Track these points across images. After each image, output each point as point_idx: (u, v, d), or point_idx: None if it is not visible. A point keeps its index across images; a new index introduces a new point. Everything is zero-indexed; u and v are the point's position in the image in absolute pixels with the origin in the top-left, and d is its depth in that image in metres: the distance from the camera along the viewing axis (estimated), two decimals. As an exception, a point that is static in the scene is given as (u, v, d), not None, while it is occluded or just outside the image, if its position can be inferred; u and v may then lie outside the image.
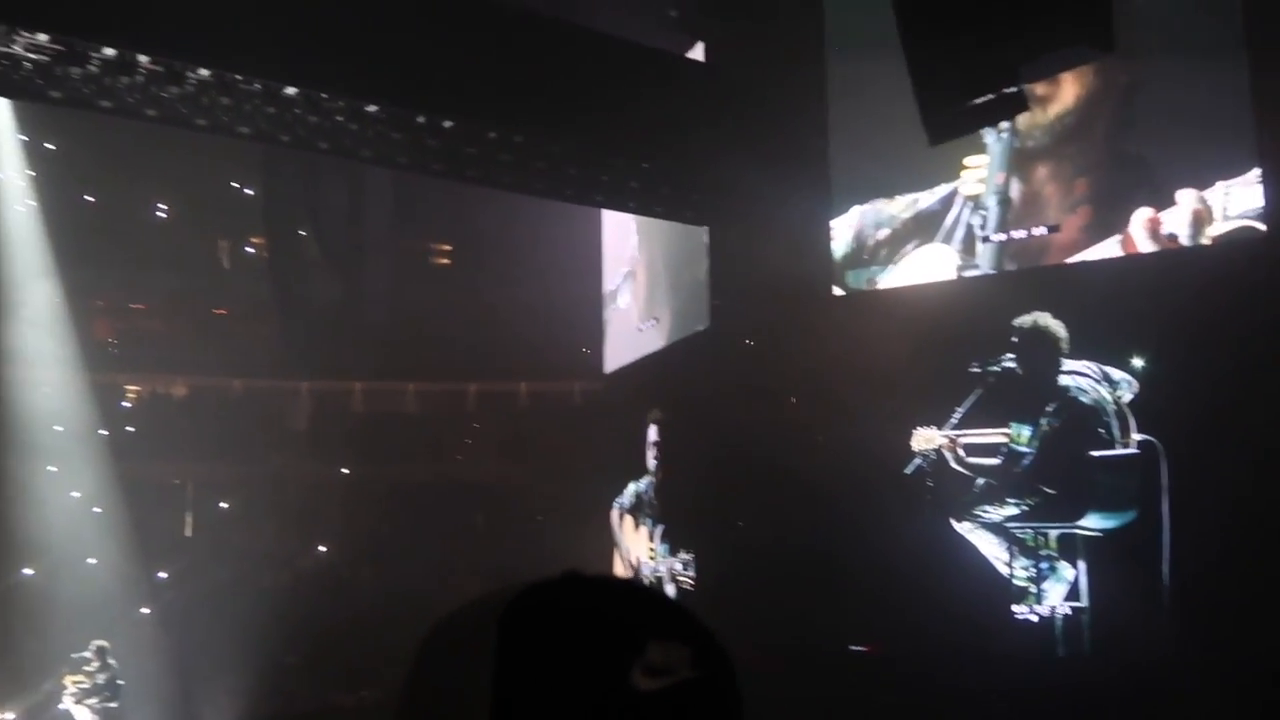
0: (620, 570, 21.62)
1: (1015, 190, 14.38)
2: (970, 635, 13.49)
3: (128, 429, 21.60)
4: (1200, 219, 12.64)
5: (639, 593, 0.80)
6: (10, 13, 10.46)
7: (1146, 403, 13.01)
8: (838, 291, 16.33)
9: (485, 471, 23.72)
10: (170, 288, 24.27)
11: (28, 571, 18.04)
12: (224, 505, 22.35)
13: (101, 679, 14.23)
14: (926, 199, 15.27)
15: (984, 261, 14.71)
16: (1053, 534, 13.69)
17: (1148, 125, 13.36)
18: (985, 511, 14.32)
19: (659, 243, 20.29)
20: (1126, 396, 13.20)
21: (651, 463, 20.67)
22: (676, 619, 0.79)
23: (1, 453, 18.74)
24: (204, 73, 11.60)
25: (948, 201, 15.03)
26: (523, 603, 0.80)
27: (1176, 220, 12.78)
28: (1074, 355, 13.72)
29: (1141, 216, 12.99)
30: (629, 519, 21.56)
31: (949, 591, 14.23)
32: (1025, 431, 14.03)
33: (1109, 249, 13.53)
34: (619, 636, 0.75)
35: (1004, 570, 14.13)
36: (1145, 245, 13.06)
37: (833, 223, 16.15)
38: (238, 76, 11.80)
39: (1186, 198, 12.71)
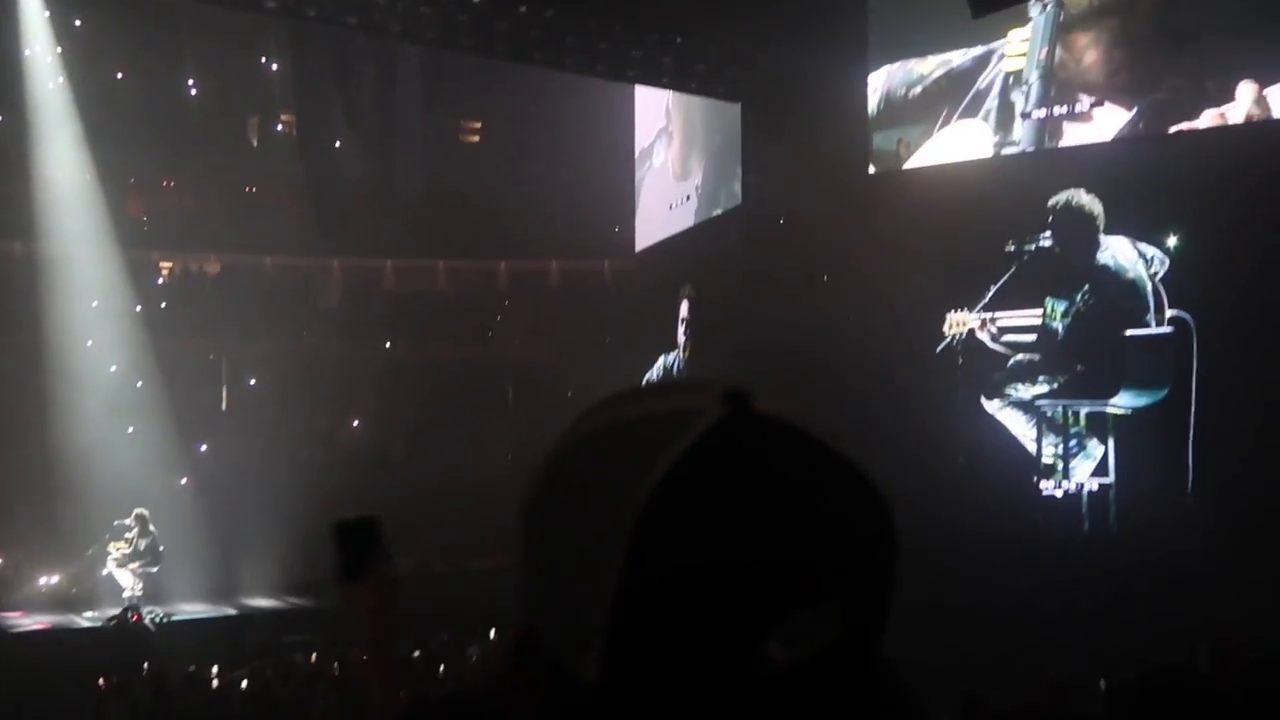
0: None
1: (1058, 64, 14.07)
2: (997, 512, 13.63)
3: (162, 305, 21.80)
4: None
5: (796, 543, 0.69)
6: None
7: (1180, 279, 12.90)
8: (872, 170, 16.16)
9: (516, 349, 23.85)
10: (202, 165, 24.21)
11: (68, 442, 18.43)
12: (255, 381, 22.62)
13: (142, 545, 14.60)
14: (959, 59, 14.99)
15: (1024, 138, 14.47)
16: (1083, 411, 13.73)
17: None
18: (1015, 389, 14.35)
19: (693, 108, 20.01)
20: (1161, 273, 13.10)
21: (681, 338, 20.74)
22: (835, 568, 0.69)
23: (40, 329, 19.01)
24: (231, -61, 11.42)
25: (981, 61, 14.75)
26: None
27: (1236, 111, 12.52)
28: (1111, 232, 13.58)
29: (1210, 114, 12.68)
30: (658, 396, 21.70)
31: (976, 468, 14.35)
32: (1060, 307, 13.97)
33: (1152, 125, 13.28)
34: (754, 607, 0.67)
35: (1032, 448, 14.21)
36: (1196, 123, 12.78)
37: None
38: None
39: (1246, 90, 12.41)
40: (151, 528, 14.77)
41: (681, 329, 20.71)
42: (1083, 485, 13.64)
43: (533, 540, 0.75)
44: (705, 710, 0.68)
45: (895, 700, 0.73)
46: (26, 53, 19.84)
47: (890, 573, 0.72)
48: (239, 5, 12.87)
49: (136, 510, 14.83)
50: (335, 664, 11.81)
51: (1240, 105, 12.48)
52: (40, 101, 20.03)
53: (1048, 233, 14.16)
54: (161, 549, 14.71)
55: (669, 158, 21.44)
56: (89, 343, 19.23)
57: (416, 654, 12.43)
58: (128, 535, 14.66)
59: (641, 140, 22.68)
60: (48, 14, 19.75)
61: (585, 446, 0.75)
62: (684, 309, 20.63)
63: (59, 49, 20.06)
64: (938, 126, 15.32)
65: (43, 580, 15.83)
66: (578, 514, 0.71)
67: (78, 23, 20.83)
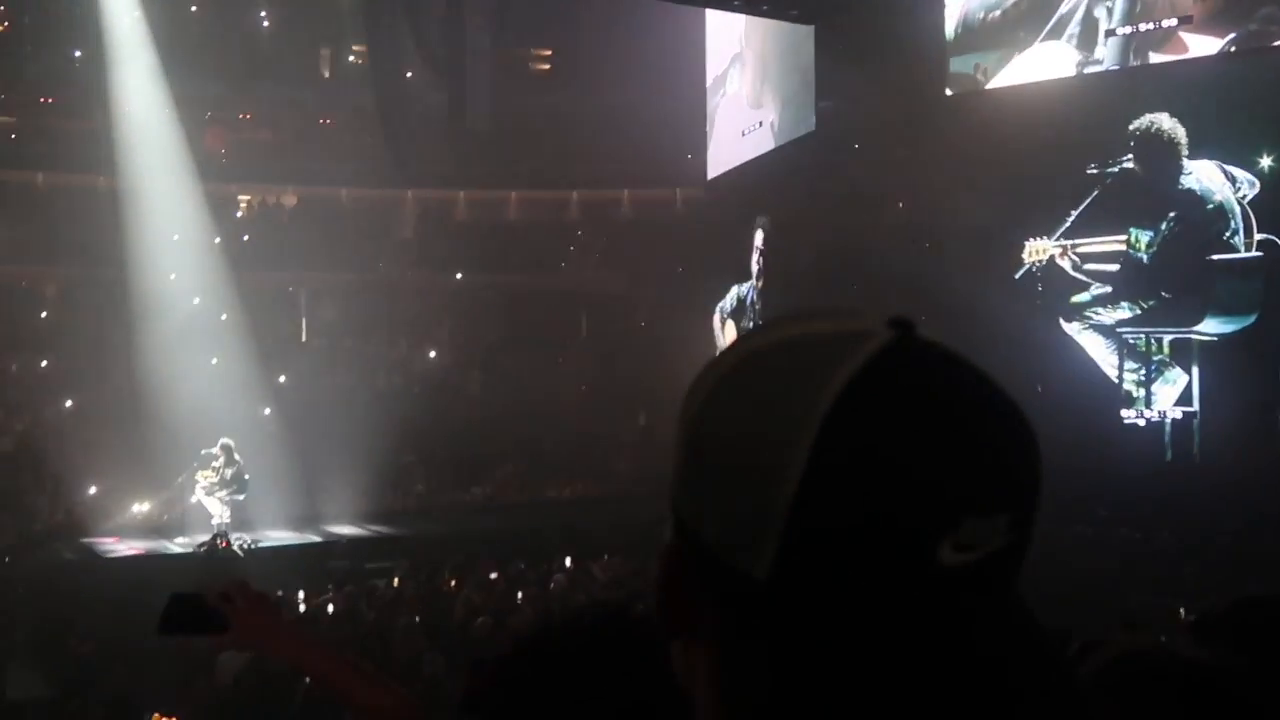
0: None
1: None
2: (1077, 441, 13.45)
3: (243, 239, 22.12)
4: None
5: (970, 448, 0.71)
6: None
7: (1271, 202, 12.50)
8: (948, 92, 15.79)
9: (589, 279, 23.89)
10: (276, 98, 24.41)
11: (154, 373, 18.88)
12: (333, 312, 22.93)
13: (229, 473, 14.97)
14: (1043, -24, 14.49)
15: (1108, 57, 14.02)
16: (1166, 339, 13.44)
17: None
18: (1097, 313, 14.07)
19: (767, 25, 19.65)
20: (1250, 196, 12.70)
21: (755, 267, 20.61)
22: (1003, 481, 0.72)
23: (124, 263, 19.38)
24: None
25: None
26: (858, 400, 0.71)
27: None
28: (1197, 155, 13.17)
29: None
30: (730, 324, 21.66)
31: (1055, 396, 14.15)
32: (1145, 237, 13.64)
33: (1241, 42, 12.79)
34: (931, 511, 0.70)
35: (1113, 374, 13.97)
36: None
37: None
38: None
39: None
40: (237, 456, 15.12)
41: (756, 258, 20.56)
42: (1165, 414, 13.40)
43: (696, 447, 0.77)
44: (878, 608, 0.71)
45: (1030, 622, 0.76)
46: (100, -13, 20.02)
47: (1036, 500, 0.75)
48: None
49: (222, 440, 15.18)
50: (415, 589, 12.09)
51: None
52: (117, 36, 20.24)
53: (1129, 156, 13.78)
54: (247, 477, 15.06)
55: (743, 85, 21.13)
56: (172, 275, 19.59)
57: (494, 575, 12.68)
58: (214, 464, 15.03)
59: (714, 68, 22.36)
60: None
61: (755, 360, 0.77)
62: (758, 239, 20.47)
63: (135, -17, 20.19)
64: (1018, 51, 14.89)
65: (135, 507, 16.31)
66: (750, 422, 0.74)
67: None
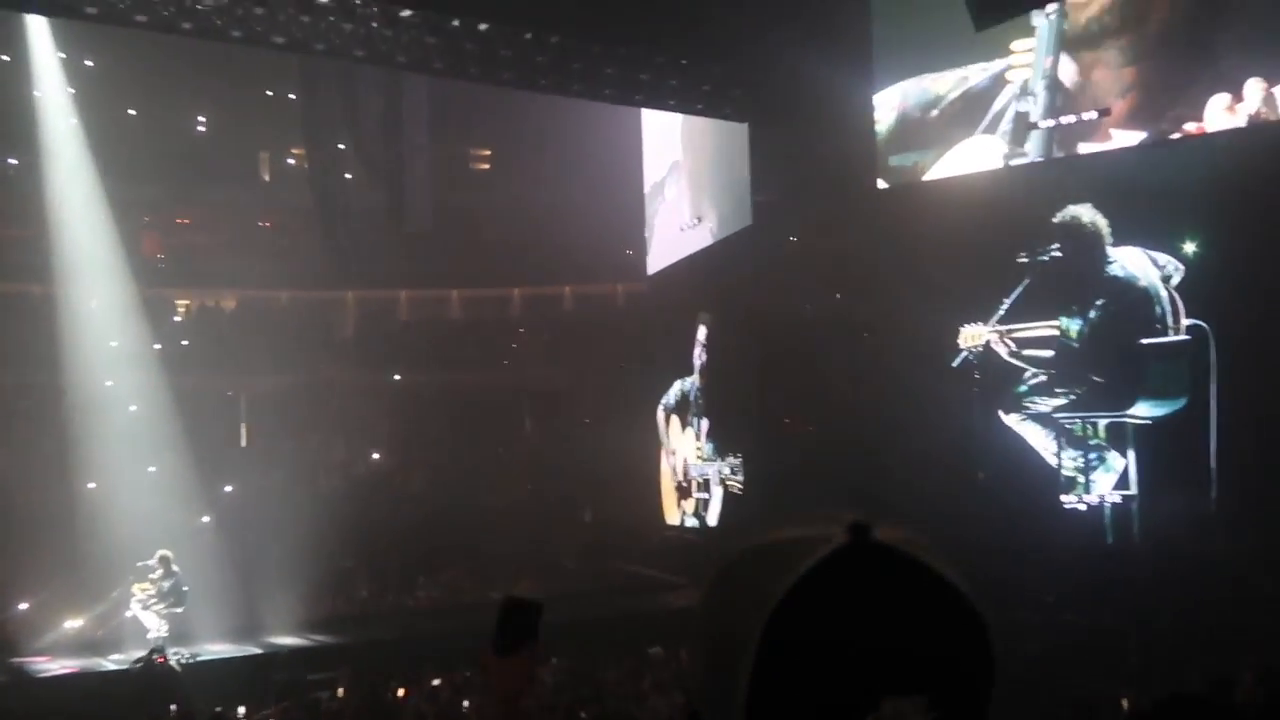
0: (666, 472, 21.86)
1: (1065, 74, 14.01)
2: (1019, 526, 13.55)
3: (182, 343, 21.91)
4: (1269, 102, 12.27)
5: (886, 639, 0.85)
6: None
7: (1197, 286, 12.82)
8: (881, 184, 16.13)
9: (532, 375, 23.89)
10: (214, 200, 24.40)
11: (90, 484, 18.52)
12: (273, 416, 22.69)
13: (166, 585, 14.60)
14: (976, 75, 14.89)
15: (1032, 149, 14.43)
16: (1102, 423, 13.65)
17: (1212, 13, 12.93)
18: (1034, 402, 14.28)
19: (703, 135, 20.05)
20: (1175, 280, 13.03)
21: (698, 362, 20.74)
22: (922, 667, 0.84)
23: (59, 370, 19.10)
24: (237, -18, 11.53)
25: (998, 80, 14.67)
26: (787, 618, 0.86)
27: (1245, 108, 12.42)
28: (1122, 241, 13.52)
29: (1219, 104, 12.57)
30: (675, 419, 21.72)
31: (997, 483, 14.28)
32: (1074, 325, 13.92)
33: (1163, 131, 13.22)
34: (852, 693, 0.82)
35: (1052, 461, 14.13)
36: (1212, 126, 12.67)
37: (875, 98, 15.84)
38: (270, -15, 11.71)
39: (1254, 88, 12.31)
40: (175, 568, 14.79)
41: (698, 353, 20.71)
42: (1104, 498, 13.55)
43: (698, 633, 0.93)
44: None
45: None
46: (37, 94, 19.98)
47: (985, 679, 0.89)
48: (248, 41, 12.95)
49: (160, 551, 14.85)
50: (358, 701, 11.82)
51: (1248, 104, 12.40)
52: (54, 142, 20.16)
53: (1057, 245, 14.12)
54: (185, 589, 14.72)
55: (681, 191, 21.49)
56: (108, 382, 19.32)
57: (437, 682, 12.45)
58: (151, 576, 14.68)
59: (653, 175, 22.72)
60: (62, 55, 19.89)
61: (740, 561, 0.92)
62: (700, 334, 20.64)
63: (71, 90, 20.18)
64: (952, 147, 15.27)
65: (68, 624, 15.88)
66: (730, 612, 0.89)
67: (89, 62, 21.01)
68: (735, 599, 0.89)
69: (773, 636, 0.85)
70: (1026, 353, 14.39)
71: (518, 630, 2.13)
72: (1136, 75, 13.54)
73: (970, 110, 14.98)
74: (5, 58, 21.21)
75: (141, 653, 14.30)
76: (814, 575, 0.86)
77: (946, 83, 15.24)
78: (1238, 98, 12.35)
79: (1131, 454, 13.35)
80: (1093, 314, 13.77)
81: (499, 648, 2.11)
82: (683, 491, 21.24)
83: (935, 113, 15.44)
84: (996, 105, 14.68)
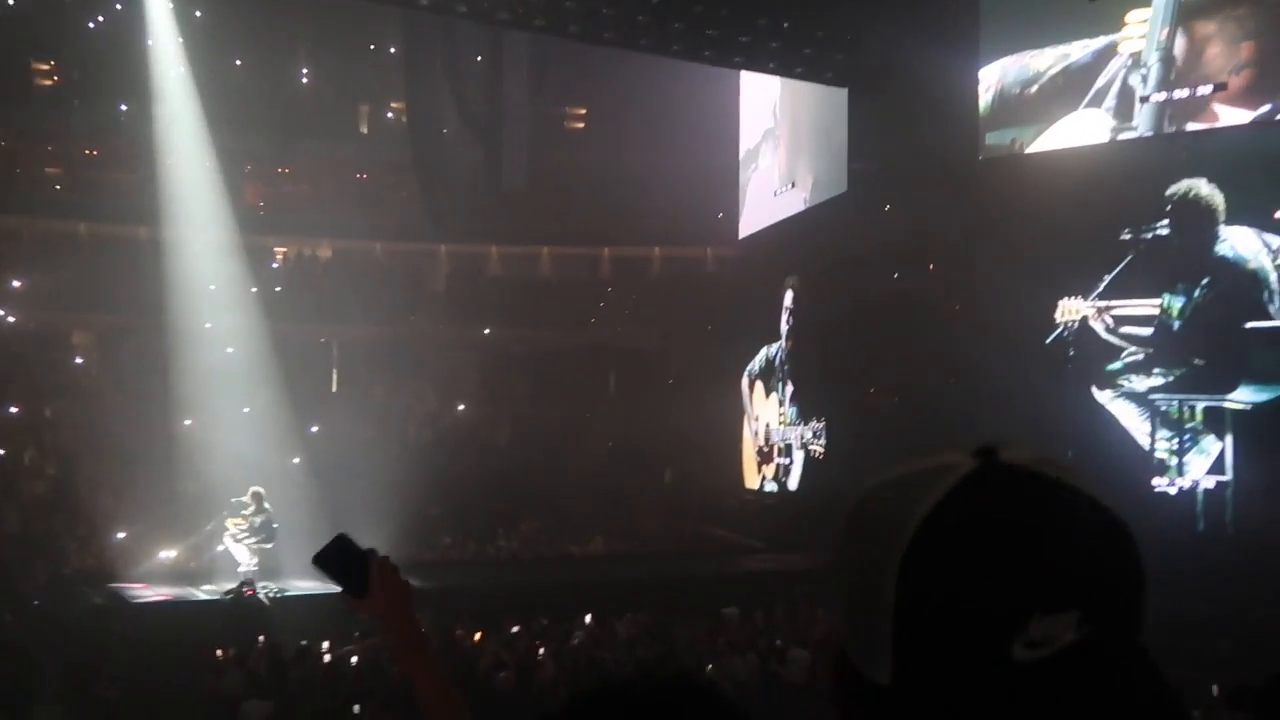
0: (748, 438, 21.84)
1: (1179, 47, 13.61)
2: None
3: (276, 289, 22.35)
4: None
5: (1031, 557, 0.83)
6: None
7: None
8: (981, 156, 15.86)
9: (618, 335, 23.97)
10: (315, 152, 24.81)
11: (187, 421, 19.04)
12: (364, 364, 23.07)
13: (258, 521, 14.99)
14: (1078, 52, 14.55)
15: (1142, 123, 14.06)
16: (1200, 406, 13.33)
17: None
18: (1129, 380, 13.99)
19: (800, 103, 19.88)
20: (1287, 264, 12.66)
21: (785, 327, 20.64)
22: (1069, 583, 0.84)
23: (162, 312, 19.64)
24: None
25: (1102, 56, 14.31)
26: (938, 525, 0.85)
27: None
28: (1232, 221, 13.15)
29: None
30: (759, 385, 21.68)
31: (1085, 461, 14.03)
32: (1177, 303, 13.59)
33: (1273, 115, 12.80)
34: (998, 616, 0.82)
35: (1144, 442, 13.86)
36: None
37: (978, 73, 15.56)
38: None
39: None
40: (267, 505, 15.17)
41: (785, 318, 20.61)
42: (1198, 483, 13.26)
43: (837, 572, 0.92)
44: (970, 703, 0.84)
45: (1149, 688, 0.87)
46: (150, 43, 20.45)
47: (1134, 589, 0.89)
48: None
49: (253, 488, 15.23)
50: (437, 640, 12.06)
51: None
52: (163, 91, 20.64)
53: (1165, 221, 13.77)
54: (275, 526, 15.08)
55: (775, 159, 21.34)
56: (207, 325, 19.81)
57: (516, 630, 12.65)
58: (244, 512, 15.06)
59: (747, 142, 22.59)
60: (171, 5, 20.32)
61: (866, 499, 0.91)
62: (788, 299, 20.53)
63: (180, 40, 20.61)
64: (1053, 123, 14.94)
65: (163, 553, 16.38)
66: (865, 549, 0.88)
67: (198, 13, 21.43)
68: (870, 533, 0.88)
69: (912, 565, 0.84)
70: (1125, 330, 14.09)
71: (345, 573, 2.10)
72: (1254, 51, 13.12)
73: (1072, 86, 14.63)
74: (119, 6, 21.75)
75: (232, 585, 14.73)
76: (948, 501, 0.85)
77: (1047, 59, 14.90)
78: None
79: (1229, 439, 13.03)
80: (1197, 293, 13.43)
81: (352, 599, 2.08)
82: (764, 457, 21.22)
83: (1035, 89, 15.11)
84: (1101, 80, 14.32)
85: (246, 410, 18.79)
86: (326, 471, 17.66)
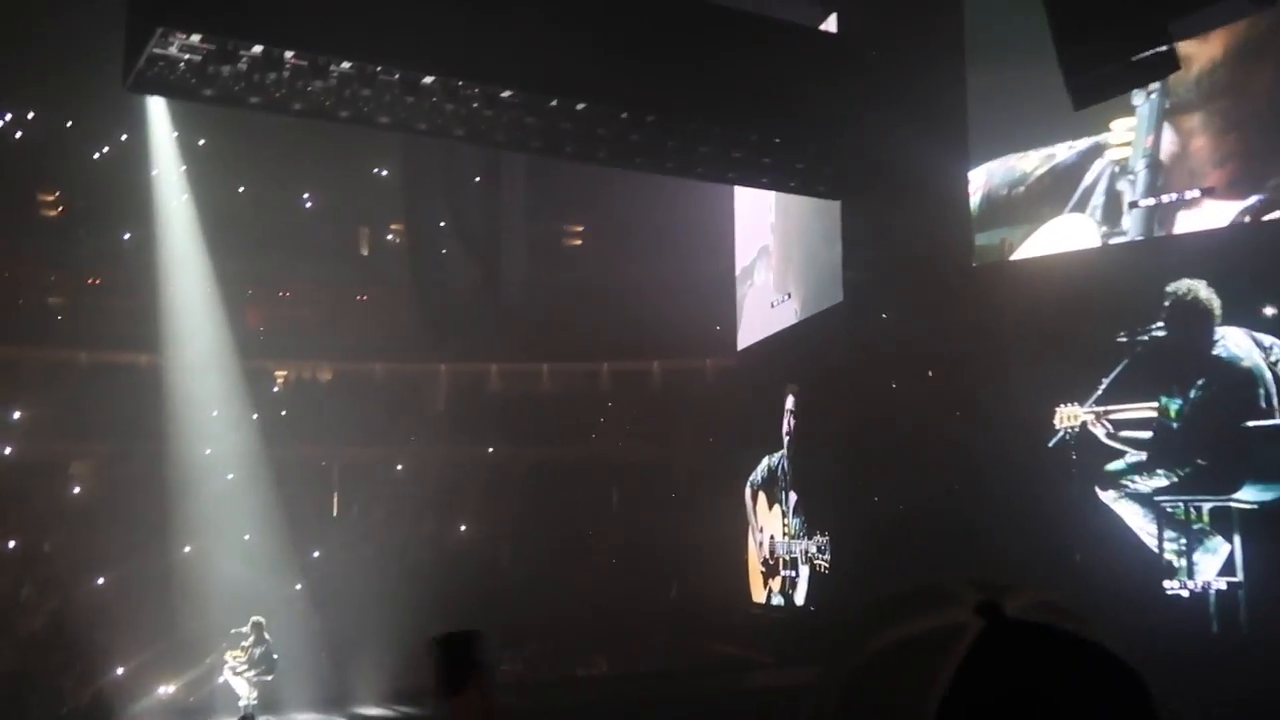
0: (753, 550, 21.64)
1: (1165, 148, 13.86)
2: (1118, 610, 13.14)
3: (282, 413, 22.39)
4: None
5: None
6: (166, 16, 10.93)
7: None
8: (974, 264, 16.02)
9: (620, 450, 23.94)
10: (316, 275, 25.08)
11: (186, 549, 18.90)
12: (365, 487, 22.98)
13: (258, 652, 14.77)
14: (1064, 153, 14.82)
15: (1132, 227, 14.24)
16: (1205, 506, 13.24)
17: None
18: (1133, 481, 13.92)
19: (794, 217, 20.16)
20: (1282, 362, 12.68)
21: (786, 436, 20.61)
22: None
23: (162, 438, 19.63)
24: (346, 66, 11.93)
25: (1087, 156, 14.57)
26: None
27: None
28: (1226, 321, 13.23)
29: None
30: (762, 496, 21.56)
31: (1094, 566, 13.90)
32: (1174, 405, 13.59)
33: (1267, 213, 12.97)
34: None
35: (1152, 544, 13.73)
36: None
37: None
38: (378, 68, 12.10)
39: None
40: (267, 635, 14.97)
41: (786, 426, 20.60)
42: (1209, 584, 13.10)
43: None
44: None
45: None
46: (155, 172, 20.82)
47: None
48: (355, 122, 13.38)
49: (254, 618, 15.04)
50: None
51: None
52: (166, 217, 20.95)
53: (1161, 323, 13.85)
54: (276, 657, 14.88)
55: (769, 275, 21.60)
56: (208, 451, 19.78)
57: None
58: (244, 644, 14.86)
59: (742, 259, 22.89)
60: (175, 134, 20.72)
61: (867, 670, 0.85)
62: (789, 403, 20.55)
63: (184, 167, 20.99)
64: (1042, 224, 15.17)
65: (162, 689, 16.13)
66: None
67: (201, 142, 21.85)
68: (875, 715, 0.83)
69: None
70: (1125, 434, 14.07)
71: (458, 665, 2.08)
72: (1237, 142, 13.36)
73: (1059, 186, 14.88)
74: (124, 137, 22.20)
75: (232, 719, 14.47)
76: (961, 680, 0.80)
77: (1033, 160, 15.19)
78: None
79: (1237, 539, 12.92)
80: (1194, 393, 13.44)
81: (445, 689, 2.05)
82: (770, 570, 21.01)
83: (1022, 189, 15.36)
84: (1086, 180, 14.56)
85: (247, 537, 18.67)
86: (327, 598, 17.47)
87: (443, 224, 25.35)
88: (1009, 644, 0.82)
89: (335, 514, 23.13)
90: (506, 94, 13.11)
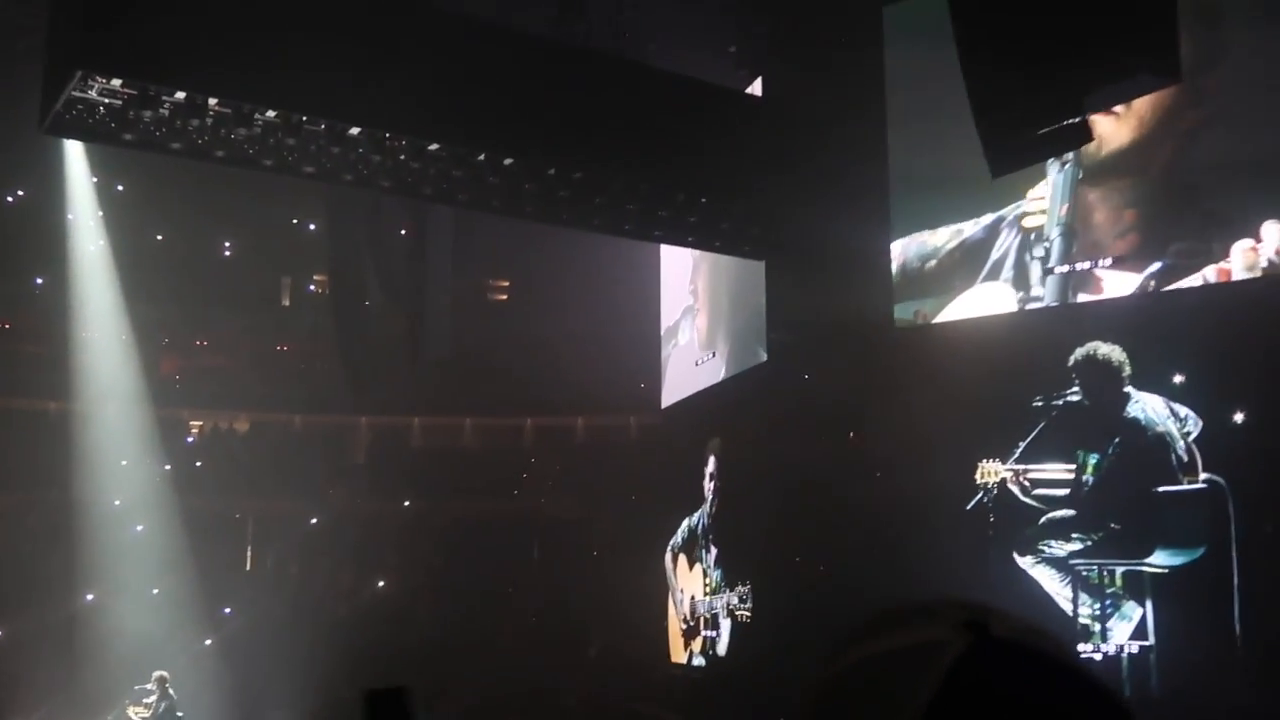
0: (673, 614, 21.54)
1: (1079, 219, 14.24)
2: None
3: (196, 464, 21.93)
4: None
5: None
6: (87, 60, 10.76)
7: (1213, 440, 12.76)
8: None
9: (542, 505, 23.77)
10: (234, 324, 24.71)
11: (89, 597, 18.34)
12: (280, 540, 22.55)
13: (161, 708, 14.35)
14: (971, 229, 15.20)
15: (1048, 293, 14.56)
16: (1118, 571, 13.45)
17: (1211, 157, 13.19)
18: (1049, 546, 14.11)
19: (720, 276, 20.31)
20: (1195, 433, 12.96)
21: (709, 494, 20.62)
22: None
23: (69, 486, 19.10)
24: (271, 114, 11.84)
25: (992, 230, 14.94)
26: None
27: (1265, 253, 12.56)
28: (1143, 388, 13.52)
29: (1241, 246, 12.70)
30: (682, 558, 21.48)
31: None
32: (1091, 460, 13.82)
33: (1160, 275, 13.36)
34: None
35: (1067, 608, 13.89)
36: (1237, 273, 12.77)
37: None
38: (304, 118, 12.02)
39: (1271, 231, 12.47)
40: (171, 691, 14.54)
41: (708, 484, 20.62)
42: (1122, 648, 13.28)
43: None
44: None
45: None
46: (70, 217, 20.42)
47: None
48: (279, 170, 13.25)
49: (157, 673, 14.63)
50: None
51: (1266, 248, 12.48)
52: (81, 264, 20.53)
53: (1075, 387, 14.13)
54: (180, 715, 14.45)
55: (694, 334, 21.72)
56: (116, 501, 19.29)
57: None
58: (146, 700, 14.44)
59: (667, 319, 22.99)
60: (93, 180, 20.37)
61: (848, 681, 0.85)
62: (710, 464, 20.57)
63: (101, 213, 20.62)
64: (955, 296, 15.47)
65: (59, 749, 15.59)
66: None
67: (120, 187, 21.50)
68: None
69: None
70: (1039, 492, 14.27)
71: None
72: (1136, 218, 13.78)
73: (970, 260, 15.21)
74: (39, 181, 21.75)
75: (132, 781, 13.98)
76: (946, 692, 0.81)
77: (942, 236, 15.55)
78: (1258, 241, 12.50)
79: (1149, 603, 13.12)
80: (1110, 452, 13.70)
81: None
82: (690, 631, 20.89)
83: (934, 263, 15.67)
84: (996, 253, 14.90)
85: (155, 591, 18.17)
86: (238, 653, 17.03)
87: (365, 275, 25.16)
88: (994, 659, 0.83)
89: (249, 567, 22.61)
90: (434, 147, 13.10)
